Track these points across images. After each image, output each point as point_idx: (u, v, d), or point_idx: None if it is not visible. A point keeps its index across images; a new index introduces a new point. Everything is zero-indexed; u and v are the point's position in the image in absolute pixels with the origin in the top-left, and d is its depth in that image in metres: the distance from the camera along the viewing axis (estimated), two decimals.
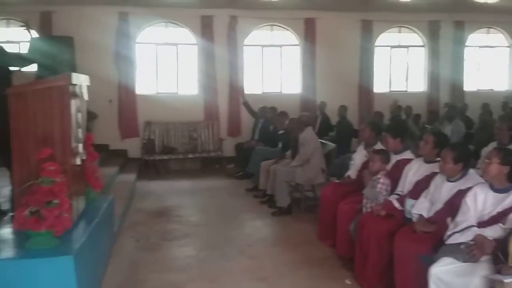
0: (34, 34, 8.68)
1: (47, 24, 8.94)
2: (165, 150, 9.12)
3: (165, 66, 9.80)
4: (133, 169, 8.71)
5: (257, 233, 5.26)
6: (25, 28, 4.88)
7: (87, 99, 3.95)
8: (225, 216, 5.93)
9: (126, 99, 9.35)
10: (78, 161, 3.70)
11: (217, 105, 9.67)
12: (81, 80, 3.76)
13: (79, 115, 3.72)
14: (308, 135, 6.05)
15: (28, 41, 5.08)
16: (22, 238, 3.10)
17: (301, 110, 9.43)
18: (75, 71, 8.68)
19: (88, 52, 8.88)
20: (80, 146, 3.80)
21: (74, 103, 3.52)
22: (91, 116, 8.99)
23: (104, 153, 9.05)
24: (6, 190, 4.26)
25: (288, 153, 6.50)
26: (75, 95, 3.55)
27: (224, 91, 9.68)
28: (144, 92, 9.60)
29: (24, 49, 8.73)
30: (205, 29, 9.50)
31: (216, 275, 4.01)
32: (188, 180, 8.37)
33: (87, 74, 8.26)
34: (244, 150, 8.37)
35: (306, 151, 5.93)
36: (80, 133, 3.78)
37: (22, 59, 4.66)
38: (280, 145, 7.35)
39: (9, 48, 4.28)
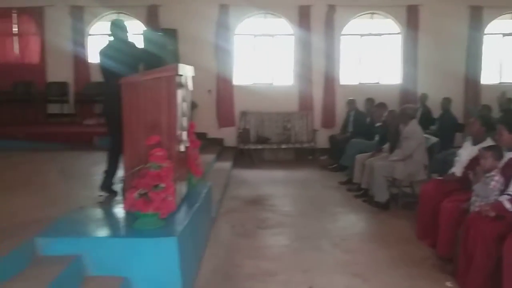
0: (142, 27, 9.33)
1: (154, 18, 9.47)
2: (259, 140, 9.27)
3: (261, 56, 9.91)
4: (228, 157, 8.99)
5: (352, 227, 5.16)
6: None
7: (192, 89, 4.12)
8: (318, 207, 5.89)
9: (224, 90, 9.64)
10: (182, 148, 3.89)
11: (311, 96, 9.62)
12: (186, 71, 3.93)
13: (184, 104, 3.90)
14: (413, 129, 5.76)
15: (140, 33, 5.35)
16: (131, 219, 3.34)
17: (401, 101, 9.07)
18: (179, 62, 9.27)
19: (190, 43, 9.29)
20: (184, 133, 3.99)
21: (180, 93, 3.70)
22: (192, 106, 9.49)
23: (202, 141, 9.47)
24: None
25: (386, 146, 6.27)
26: (181, 85, 3.73)
27: (319, 81, 9.59)
28: (241, 83, 9.82)
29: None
30: (303, 19, 9.45)
31: (309, 266, 3.99)
32: (281, 170, 8.45)
33: (189, 65, 8.51)
34: (338, 142, 8.24)
35: (410, 145, 5.66)
36: (185, 122, 3.97)
37: (149, 54, 4.88)
38: (377, 137, 7.11)
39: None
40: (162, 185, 3.27)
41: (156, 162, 3.30)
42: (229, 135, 9.70)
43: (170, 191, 3.32)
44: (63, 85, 9.62)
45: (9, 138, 7.76)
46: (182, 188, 4.10)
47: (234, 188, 6.95)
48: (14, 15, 9.57)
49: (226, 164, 8.39)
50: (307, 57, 9.48)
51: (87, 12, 9.56)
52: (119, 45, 4.23)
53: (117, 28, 4.32)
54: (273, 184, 7.27)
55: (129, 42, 4.36)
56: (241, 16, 9.63)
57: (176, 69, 3.59)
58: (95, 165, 5.49)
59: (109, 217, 3.65)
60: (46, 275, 2.78)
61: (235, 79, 9.73)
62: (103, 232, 3.20)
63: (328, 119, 9.64)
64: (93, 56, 9.70)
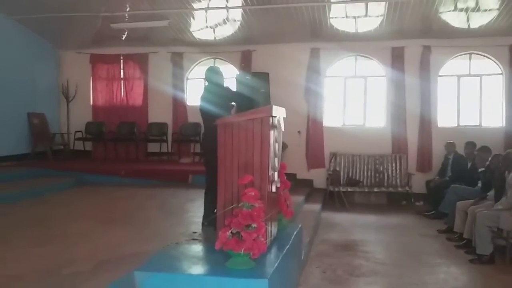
0: (236, 71, 9.73)
1: (248, 62, 9.85)
2: (350, 182, 9.04)
3: (352, 98, 9.82)
4: (318, 199, 8.85)
5: (453, 281, 4.73)
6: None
7: (283, 130, 4.15)
8: (415, 257, 5.51)
9: (314, 131, 9.63)
10: (273, 189, 3.89)
11: (405, 137, 9.25)
12: (279, 112, 3.97)
13: (276, 145, 3.93)
14: None
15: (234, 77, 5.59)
16: (223, 258, 3.35)
17: (505, 146, 8.39)
18: (270, 104, 9.48)
19: (282, 86, 9.52)
20: (276, 174, 3.99)
21: (272, 134, 3.73)
22: (283, 146, 9.58)
23: (292, 182, 9.45)
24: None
25: (491, 193, 5.77)
26: (274, 126, 3.77)
27: (414, 123, 9.23)
28: (331, 124, 9.75)
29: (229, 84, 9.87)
30: (396, 60, 9.27)
31: None
32: (373, 214, 8.11)
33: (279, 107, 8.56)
34: (436, 187, 7.76)
35: None
36: (276, 162, 3.98)
37: (242, 96, 5.08)
38: (479, 184, 6.60)
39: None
40: (254, 225, 3.27)
41: (249, 202, 3.31)
42: (318, 177, 9.58)
43: (261, 232, 3.30)
44: (162, 126, 10.24)
45: (113, 174, 8.34)
46: (273, 229, 4.08)
47: (324, 231, 6.78)
48: (121, 61, 10.49)
49: (316, 206, 8.25)
50: (401, 98, 9.21)
51: (186, 58, 10.22)
52: (214, 89, 4.45)
53: (212, 73, 4.60)
54: (365, 229, 6.98)
55: (223, 85, 4.57)
56: (332, 59, 9.69)
57: (270, 110, 3.64)
58: (190, 202, 5.69)
59: (203, 255, 3.70)
60: None
61: (325, 121, 9.69)
62: (198, 269, 3.24)
63: (424, 163, 9.17)
64: (191, 99, 10.29)
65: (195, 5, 8.70)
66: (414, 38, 9.10)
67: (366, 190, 8.96)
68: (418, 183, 8.87)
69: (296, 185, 9.31)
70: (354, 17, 9.18)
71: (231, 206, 3.39)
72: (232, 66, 10.05)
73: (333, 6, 8.58)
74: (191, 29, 9.59)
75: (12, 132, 9.23)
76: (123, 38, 9.83)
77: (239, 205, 3.35)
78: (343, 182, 9.12)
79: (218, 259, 3.44)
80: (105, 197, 6.81)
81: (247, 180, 3.43)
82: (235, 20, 9.26)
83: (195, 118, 9.37)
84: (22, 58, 9.59)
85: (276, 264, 3.44)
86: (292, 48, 9.60)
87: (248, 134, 3.72)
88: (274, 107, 3.79)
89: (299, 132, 9.71)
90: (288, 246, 4.00)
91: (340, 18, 9.09)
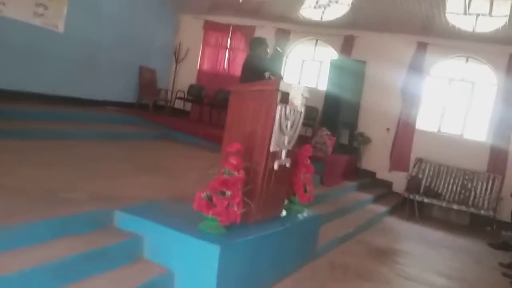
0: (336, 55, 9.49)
1: (349, 47, 9.51)
2: (428, 192, 8.30)
3: (454, 103, 8.91)
4: (389, 202, 8.37)
5: None
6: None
7: (301, 109, 3.99)
8: (452, 281, 4.94)
9: (404, 131, 9.00)
10: (275, 166, 3.80)
11: (506, 157, 8.15)
12: (296, 90, 3.83)
13: (288, 123, 3.80)
14: None
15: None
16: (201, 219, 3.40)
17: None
18: (360, 94, 9.12)
19: (377, 77, 9.02)
20: (283, 152, 3.89)
21: (280, 109, 3.63)
22: (364, 140, 9.18)
23: (369, 180, 9.07)
24: None
25: None
26: (283, 101, 3.66)
27: None
28: (425, 128, 9.00)
29: (324, 67, 9.69)
30: None
31: None
32: (441, 231, 7.40)
33: (371, 99, 8.69)
34: None
35: None
36: (286, 140, 3.86)
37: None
38: None
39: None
40: (229, 192, 3.27)
41: (229, 170, 3.31)
42: (399, 180, 8.95)
43: (235, 201, 3.29)
44: None
45: (193, 134, 8.80)
46: (274, 207, 4.02)
47: (371, 233, 6.40)
48: (230, 31, 10.87)
49: (381, 208, 7.83)
50: (509, 112, 8.10)
51: (290, 36, 10.20)
52: (251, 58, 4.49)
53: (255, 43, 4.63)
54: (418, 243, 6.42)
55: (261, 56, 4.60)
56: (439, 57, 8.86)
57: (277, 84, 3.55)
58: None
59: (187, 212, 3.78)
60: (108, 241, 3.10)
61: (418, 122, 8.98)
62: (169, 222, 3.35)
63: None
64: (286, 77, 10.31)
65: None
66: None
67: (444, 204, 8.14)
68: (509, 210, 7.80)
69: (373, 184, 8.97)
70: (476, 14, 8.28)
71: (213, 169, 3.41)
72: (333, 49, 9.79)
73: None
74: (299, 7, 9.53)
75: (123, 81, 10.24)
76: (241, 1, 10.00)
77: (222, 170, 3.37)
78: (422, 191, 8.40)
79: (197, 220, 3.50)
80: (169, 152, 7.26)
81: (235, 148, 3.42)
82: (345, 3, 8.98)
83: None
84: (144, 16, 10.48)
85: (249, 237, 3.42)
86: (397, 38, 8.99)
87: (256, 105, 3.68)
88: (285, 82, 3.68)
89: (388, 129, 9.16)
90: (282, 228, 3.92)
91: (459, 13, 8.27)
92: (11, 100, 7.02)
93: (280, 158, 3.86)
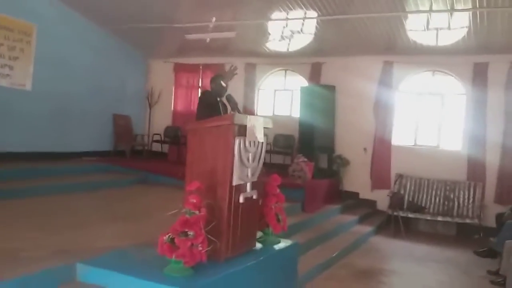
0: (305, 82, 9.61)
1: (317, 74, 9.66)
2: (411, 207, 8.27)
3: (426, 116, 9.01)
4: (374, 221, 8.32)
5: None
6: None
7: (262, 141, 3.97)
8: None
9: (381, 149, 9.05)
10: (241, 199, 3.75)
11: (484, 164, 8.19)
12: (255, 122, 3.82)
13: (248, 155, 3.78)
14: None
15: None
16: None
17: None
18: (333, 118, 9.18)
19: (349, 100, 9.18)
20: (248, 185, 3.85)
21: (238, 142, 3.61)
22: (344, 162, 9.19)
23: (353, 201, 9.03)
24: None
25: None
26: (240, 134, 3.65)
27: (495, 148, 8.13)
28: (401, 143, 9.06)
29: (296, 95, 9.78)
30: (478, 77, 8.29)
31: None
32: (428, 245, 7.33)
33: (344, 122, 8.74)
34: (504, 221, 6.75)
35: None
36: (249, 173, 3.83)
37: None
38: None
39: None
40: (191, 232, 3.20)
41: (189, 209, 3.26)
42: (383, 198, 8.89)
43: (198, 240, 3.22)
44: None
45: (171, 176, 8.72)
46: (247, 241, 3.94)
47: (356, 255, 6.32)
48: (200, 70, 11.00)
49: (366, 229, 7.77)
50: (481, 120, 8.20)
51: (259, 69, 10.36)
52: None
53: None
54: (405, 260, 6.34)
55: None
56: (406, 73, 9.03)
57: (232, 118, 3.55)
58: None
59: (154, 258, 3.68)
60: None
61: (394, 139, 9.04)
62: (133, 270, 3.25)
63: (504, 193, 8.02)
64: (260, 109, 10.41)
65: (273, 16, 8.77)
66: (500, 54, 8.05)
67: (429, 217, 8.11)
68: (493, 216, 7.77)
69: (357, 205, 8.93)
70: (436, 29, 8.47)
71: (174, 211, 3.35)
72: (302, 77, 9.93)
73: (411, 17, 8.01)
74: (265, 41, 9.70)
75: (97, 130, 10.23)
76: (207, 40, 10.06)
77: (182, 211, 3.31)
78: (405, 206, 8.36)
79: (164, 264, 3.41)
80: (146, 196, 7.19)
81: (194, 186, 3.37)
82: (309, 33, 9.16)
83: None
84: (115, 65, 10.62)
85: (217, 276, 3.33)
86: (363, 60, 9.17)
87: (214, 141, 3.67)
88: (243, 115, 3.68)
89: (365, 149, 9.21)
90: (254, 262, 3.83)
91: (419, 30, 8.46)
92: None
93: (245, 190, 3.82)
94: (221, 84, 5.07)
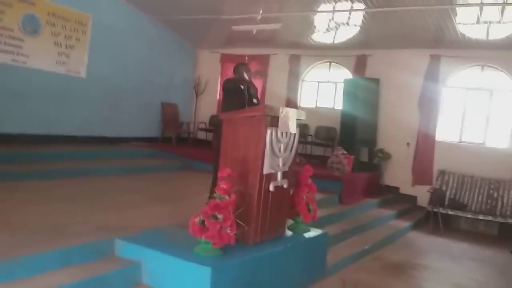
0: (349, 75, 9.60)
1: (362, 66, 9.60)
2: (452, 204, 8.11)
3: (474, 113, 8.76)
4: (413, 217, 8.25)
5: None
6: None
7: (294, 132, 4.11)
8: None
9: (424, 144, 8.90)
10: (271, 188, 3.91)
11: None
12: (288, 113, 3.96)
13: (280, 145, 3.93)
14: None
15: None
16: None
17: None
18: (376, 111, 9.12)
19: (393, 94, 9.07)
20: (279, 174, 4.01)
21: (270, 133, 3.77)
22: (384, 156, 9.13)
23: (392, 196, 8.98)
24: None
25: None
26: (272, 125, 3.80)
27: None
28: (445, 139, 8.88)
29: (339, 88, 9.78)
30: None
31: None
32: (470, 244, 7.18)
33: (388, 115, 8.73)
34: None
35: None
36: (281, 163, 3.98)
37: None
38: None
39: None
40: (220, 216, 3.40)
41: (220, 194, 3.46)
42: (424, 194, 8.74)
43: (227, 224, 3.42)
44: None
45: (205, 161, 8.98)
46: (276, 228, 4.11)
47: (390, 249, 6.33)
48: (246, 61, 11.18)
49: (404, 224, 7.72)
50: None
51: (303, 61, 10.41)
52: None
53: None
54: (442, 256, 6.27)
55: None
56: (454, 68, 8.79)
57: (264, 110, 3.71)
58: None
59: (187, 238, 3.90)
60: (108, 269, 3.30)
61: (438, 134, 8.87)
62: (166, 248, 3.50)
63: None
64: (304, 100, 10.49)
65: (319, 8, 8.80)
66: None
67: (470, 215, 7.93)
68: None
69: (396, 200, 8.87)
70: (487, 22, 8.19)
71: (209, 195, 3.56)
72: (346, 70, 9.89)
73: (461, 10, 7.78)
74: (310, 33, 9.73)
75: (146, 117, 10.68)
76: (254, 32, 10.23)
77: (214, 195, 3.52)
78: (446, 203, 8.22)
79: (195, 244, 3.65)
80: (188, 181, 7.49)
81: (225, 173, 3.57)
82: (355, 25, 9.11)
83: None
84: (166, 55, 11.02)
85: (245, 258, 3.52)
86: (409, 54, 9.01)
87: (247, 131, 3.85)
88: (271, 106, 3.83)
89: (408, 144, 9.09)
90: (281, 248, 4.00)
91: (469, 24, 8.21)
92: (39, 144, 7.49)
93: (276, 179, 3.98)
94: (243, 74, 5.20)
